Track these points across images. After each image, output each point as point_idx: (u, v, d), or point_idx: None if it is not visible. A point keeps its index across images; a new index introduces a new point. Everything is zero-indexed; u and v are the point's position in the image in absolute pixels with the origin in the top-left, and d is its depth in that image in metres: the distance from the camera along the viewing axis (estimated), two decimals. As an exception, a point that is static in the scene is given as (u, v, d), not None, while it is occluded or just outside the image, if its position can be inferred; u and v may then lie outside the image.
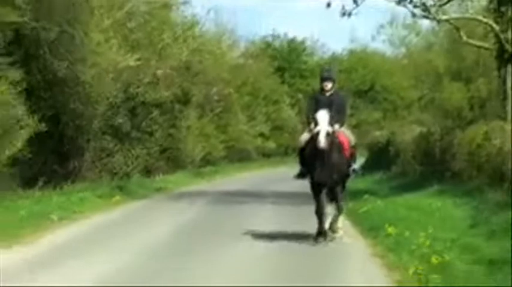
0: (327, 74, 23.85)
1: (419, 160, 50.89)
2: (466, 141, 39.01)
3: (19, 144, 40.69)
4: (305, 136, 23.77)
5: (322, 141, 22.06)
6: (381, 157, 65.84)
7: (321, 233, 23.68)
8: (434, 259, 21.58)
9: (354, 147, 24.52)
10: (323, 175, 22.94)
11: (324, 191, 23.39)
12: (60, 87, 45.86)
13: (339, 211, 24.15)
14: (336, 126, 23.20)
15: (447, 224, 28.40)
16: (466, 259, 22.08)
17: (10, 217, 33.57)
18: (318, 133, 22.20)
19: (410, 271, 21.05)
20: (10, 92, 39.25)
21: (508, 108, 41.35)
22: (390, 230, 28.62)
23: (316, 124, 22.48)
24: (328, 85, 24.09)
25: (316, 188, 23.47)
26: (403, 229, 28.18)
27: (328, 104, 23.52)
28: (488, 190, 30.50)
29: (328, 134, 22.31)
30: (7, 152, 40.40)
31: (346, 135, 23.81)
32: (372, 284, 21.64)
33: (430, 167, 45.45)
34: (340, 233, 24.45)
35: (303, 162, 24.23)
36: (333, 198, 23.66)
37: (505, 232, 24.01)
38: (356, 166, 25.52)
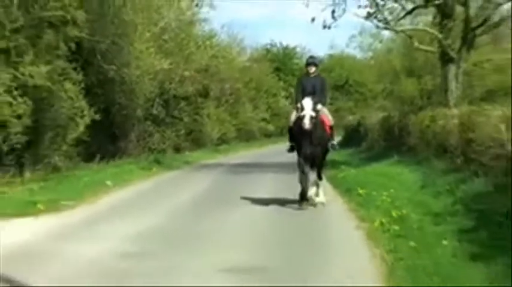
0: (311, 60, 24.03)
1: (383, 137, 50.80)
2: (418, 122, 39.29)
3: (81, 129, 41.53)
4: (293, 116, 24.12)
5: (307, 123, 22.34)
6: (353, 136, 65.96)
7: (303, 198, 23.78)
8: (394, 213, 22.60)
9: (332, 127, 24.38)
10: (308, 150, 23.12)
11: (308, 164, 23.44)
12: (110, 85, 46.57)
13: (320, 178, 24.00)
14: (319, 106, 23.33)
15: (404, 186, 28.95)
16: (418, 212, 22.80)
17: (76, 184, 34.42)
18: (303, 117, 22.51)
19: (376, 223, 21.94)
20: (73, 90, 40.10)
21: (449, 97, 41.92)
22: (361, 191, 29.45)
23: (302, 109, 22.73)
24: (312, 69, 24.26)
25: (301, 160, 23.63)
26: (370, 190, 29.03)
27: (312, 85, 23.80)
28: (435, 160, 30.93)
29: (311, 118, 22.53)
30: (72, 135, 41.31)
31: (327, 115, 23.92)
32: (347, 233, 22.74)
33: (391, 143, 45.45)
34: (321, 197, 24.42)
35: (291, 138, 24.51)
36: (317, 167, 23.64)
37: (447, 191, 24.73)
38: (335, 141, 25.49)
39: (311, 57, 24.03)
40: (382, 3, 44.40)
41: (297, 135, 23.61)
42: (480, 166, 24.06)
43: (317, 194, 24.29)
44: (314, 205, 24.10)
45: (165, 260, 18.07)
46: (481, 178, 23.27)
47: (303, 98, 22.94)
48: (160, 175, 43.61)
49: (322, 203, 24.52)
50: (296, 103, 23.35)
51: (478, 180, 23.33)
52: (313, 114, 22.47)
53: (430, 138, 34.67)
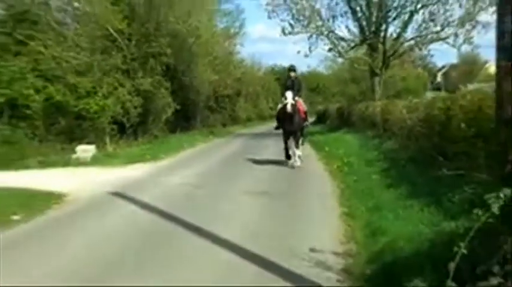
0: (292, 67, 23.90)
1: (337, 119, 50.51)
2: (357, 109, 38.55)
3: (169, 114, 41.78)
4: (280, 105, 23.85)
5: (289, 108, 22.07)
6: (321, 118, 64.41)
7: (288, 158, 23.49)
8: (345, 160, 22.77)
9: (306, 112, 24.14)
10: (290, 127, 22.80)
11: (291, 137, 23.02)
12: (185, 89, 46.38)
13: (299, 146, 23.33)
14: (297, 98, 22.81)
15: (350, 145, 28.52)
16: (358, 160, 22.59)
17: (167, 145, 34.59)
18: (286, 104, 22.27)
19: (335, 166, 22.33)
20: (165, 92, 40.31)
21: (375, 95, 41.90)
22: (326, 148, 29.63)
23: (286, 99, 22.48)
24: (292, 73, 23.87)
25: (285, 135, 23.31)
26: (331, 148, 29.04)
27: (292, 84, 23.23)
28: (367, 131, 30.59)
29: (292, 105, 22.17)
30: (164, 118, 41.55)
31: (303, 105, 23.70)
32: (319, 171, 23.08)
33: (342, 121, 44.48)
34: (298, 161, 23.28)
35: (278, 120, 23.87)
36: (296, 139, 23.11)
37: (373, 148, 24.72)
38: (308, 122, 25.11)
39: (291, 66, 24.03)
40: (337, 43, 44.41)
41: (282, 118, 23.20)
42: (392, 133, 24.24)
43: (298, 156, 23.24)
44: (298, 163, 22.96)
45: (211, 188, 18.67)
46: (392, 140, 23.39)
47: (286, 91, 22.75)
48: (213, 140, 43.26)
49: (299, 156, 23.33)
50: (282, 95, 23.24)
51: (391, 141, 23.40)
52: (293, 102, 22.28)
53: (364, 118, 34.43)
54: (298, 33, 43.60)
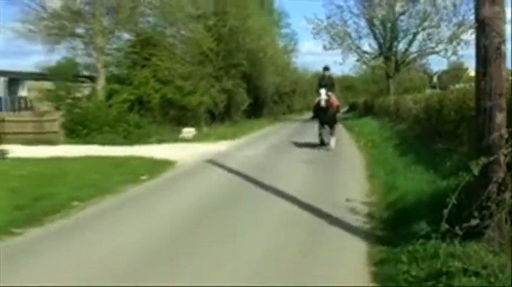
0: (326, 67, 20.83)
1: (363, 108, 50.07)
2: (378, 102, 38.75)
3: (245, 106, 41.87)
4: (315, 100, 21.03)
5: (323, 103, 19.64)
6: (352, 107, 64.28)
7: (322, 144, 20.59)
8: (369, 138, 22.37)
9: (338, 106, 21.72)
10: (324, 118, 20.17)
11: (326, 127, 20.53)
12: (257, 89, 46.12)
13: (332, 135, 20.84)
14: (330, 93, 20.16)
15: (372, 127, 28.33)
16: (378, 138, 22.28)
17: (243, 128, 34.58)
18: (320, 100, 19.82)
19: (362, 142, 22.10)
20: (242, 91, 40.37)
21: (390, 92, 41.58)
22: (356, 129, 29.57)
23: (320, 95, 19.95)
24: (326, 72, 21.05)
25: (320, 125, 20.68)
26: (360, 129, 28.95)
27: (326, 82, 20.54)
28: (384, 117, 30.53)
29: (325, 100, 19.75)
30: (242, 108, 41.62)
31: (335, 99, 20.97)
32: (350, 145, 22.88)
33: (367, 110, 44.62)
34: (333, 144, 20.83)
35: (314, 112, 21.21)
36: (330, 128, 20.60)
37: (389, 129, 24.33)
38: (339, 114, 23.03)
39: (326, 66, 21.33)
40: (362, 55, 44.78)
41: (317, 110, 20.64)
42: (402, 119, 23.94)
43: (332, 143, 20.62)
44: (332, 146, 20.55)
45: (274, 157, 18.73)
46: (402, 123, 23.10)
47: (320, 88, 20.33)
48: (276, 124, 43.19)
49: (332, 143, 20.78)
50: (317, 92, 20.74)
51: (401, 125, 23.10)
52: (326, 97, 19.86)
53: (382, 108, 34.10)
54: (334, 48, 44.20)
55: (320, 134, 20.96)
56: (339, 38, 43.80)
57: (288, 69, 63.40)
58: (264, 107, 52.92)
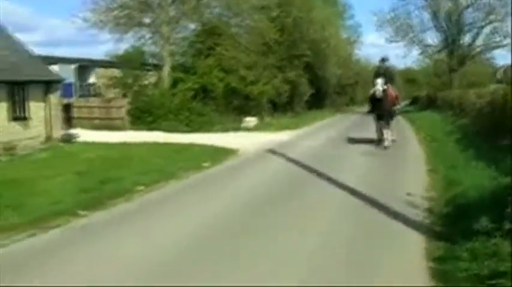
0: (385, 58, 19.09)
1: (425, 102, 49.05)
2: (440, 96, 38.02)
3: (307, 97, 41.61)
4: (371, 91, 19.00)
5: (378, 94, 17.93)
6: (414, 101, 62.46)
7: (380, 141, 18.68)
8: (429, 132, 22.15)
9: (397, 97, 19.41)
10: (380, 111, 18.41)
11: (382, 120, 18.54)
12: (319, 79, 45.65)
13: (389, 130, 18.62)
14: (387, 84, 18.33)
15: (433, 120, 28.05)
16: (439, 132, 21.87)
17: (305, 119, 34.56)
18: (376, 90, 18.07)
19: (422, 135, 21.77)
20: (304, 81, 40.14)
21: (453, 86, 40.69)
22: (418, 122, 29.06)
23: (375, 85, 18.14)
24: (384, 63, 19.29)
25: (376, 118, 18.95)
26: (421, 122, 28.56)
27: (384, 72, 18.67)
28: (447, 110, 29.84)
29: (381, 91, 17.98)
30: (304, 99, 41.36)
31: (393, 90, 18.86)
32: (411, 138, 22.35)
33: (429, 104, 43.72)
34: (388, 141, 18.53)
35: (371, 104, 19.34)
36: (387, 123, 18.48)
37: (451, 123, 23.77)
38: (398, 106, 20.11)
39: (384, 56, 19.59)
40: (425, 48, 43.94)
41: (373, 102, 18.98)
42: (465, 113, 23.42)
43: (387, 136, 18.35)
44: (387, 144, 18.36)
45: (332, 148, 18.64)
46: (465, 118, 22.60)
47: (376, 79, 18.49)
48: (338, 116, 42.97)
49: (394, 140, 19.06)
50: (372, 83, 18.92)
51: (464, 119, 22.69)
52: (381, 88, 18.04)
53: (445, 102, 33.50)
54: (397, 41, 43.50)
55: (378, 129, 19.21)
56: (402, 30, 43.16)
57: (351, 61, 62.73)
58: (326, 98, 52.52)
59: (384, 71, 18.89)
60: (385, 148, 18.02)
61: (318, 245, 7.14)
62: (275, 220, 8.40)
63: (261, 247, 6.97)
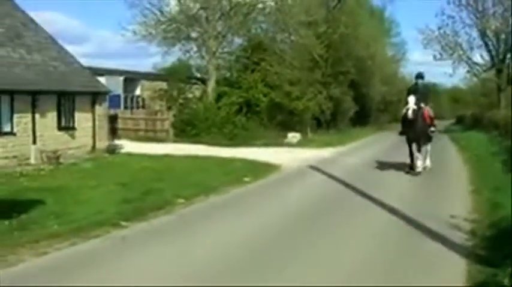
0: (420, 75, 17.07)
1: (471, 121, 47.89)
2: (487, 115, 37.15)
3: (351, 114, 41.43)
4: (404, 110, 16.73)
5: (410, 114, 15.77)
6: (459, 120, 60.97)
7: (411, 168, 16.52)
8: (474, 151, 21.75)
9: (432, 118, 16.85)
10: (412, 135, 16.27)
11: (414, 144, 16.41)
12: (363, 96, 45.53)
13: (425, 154, 16.98)
14: (422, 104, 16.16)
15: (479, 141, 27.21)
16: (484, 152, 21.23)
17: (348, 136, 34.18)
18: (408, 109, 16.00)
19: (467, 155, 21.36)
20: (349, 99, 40.02)
21: (500, 105, 39.84)
22: (462, 142, 28.45)
23: (407, 103, 16.13)
24: (419, 80, 17.12)
25: (408, 141, 16.64)
26: (466, 142, 27.95)
27: (415, 91, 16.36)
28: (493, 131, 29.32)
29: (414, 110, 15.82)
30: (348, 116, 41.26)
31: (428, 110, 16.61)
32: (455, 158, 21.96)
33: (474, 124, 42.79)
34: (427, 162, 17.03)
35: (402, 126, 17.18)
36: (419, 147, 16.35)
37: (497, 144, 23.14)
38: (433, 128, 17.02)
39: (419, 73, 17.71)
40: (473, 66, 43.13)
41: (405, 123, 16.83)
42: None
43: (418, 163, 16.25)
44: (419, 170, 16.21)
45: (374, 166, 18.24)
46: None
47: (409, 96, 16.43)
48: (380, 133, 42.29)
49: (426, 167, 16.82)
50: (406, 101, 16.73)
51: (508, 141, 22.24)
52: (415, 107, 15.93)
53: (492, 122, 32.74)
54: (445, 59, 42.69)
55: (410, 154, 16.93)
56: (450, 48, 42.46)
57: (396, 78, 62.17)
58: (370, 116, 52.08)
59: (420, 89, 16.84)
60: (416, 174, 15.98)
61: (358, 261, 7.07)
62: (308, 237, 8.33)
63: (291, 267, 6.91)
